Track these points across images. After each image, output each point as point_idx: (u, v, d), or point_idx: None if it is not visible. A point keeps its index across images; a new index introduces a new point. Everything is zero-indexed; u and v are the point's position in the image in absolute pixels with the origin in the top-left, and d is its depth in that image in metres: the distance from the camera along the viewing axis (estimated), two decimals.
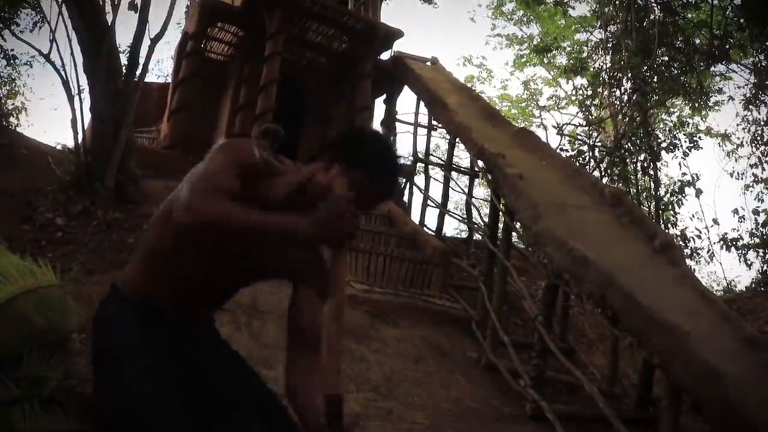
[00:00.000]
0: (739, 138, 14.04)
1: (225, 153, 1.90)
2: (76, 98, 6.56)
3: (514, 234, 5.86)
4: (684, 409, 3.73)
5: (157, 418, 1.87)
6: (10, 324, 1.97)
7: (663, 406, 3.38)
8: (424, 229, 7.62)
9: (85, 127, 6.57)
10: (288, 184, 2.00)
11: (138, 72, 6.74)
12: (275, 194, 1.98)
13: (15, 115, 9.37)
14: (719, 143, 15.33)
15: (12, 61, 10.67)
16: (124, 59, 7.36)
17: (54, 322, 2.07)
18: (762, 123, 12.70)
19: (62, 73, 6.61)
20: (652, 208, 13.47)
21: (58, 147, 8.14)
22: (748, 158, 13.27)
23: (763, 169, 12.99)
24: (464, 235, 8.86)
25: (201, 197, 1.75)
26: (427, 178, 8.82)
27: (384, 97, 10.16)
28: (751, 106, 12.39)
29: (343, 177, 1.94)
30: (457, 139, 7.17)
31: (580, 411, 4.49)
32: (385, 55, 10.13)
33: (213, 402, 2.05)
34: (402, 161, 2.01)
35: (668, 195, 13.62)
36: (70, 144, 6.66)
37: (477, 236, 7.66)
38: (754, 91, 12.37)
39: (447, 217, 7.84)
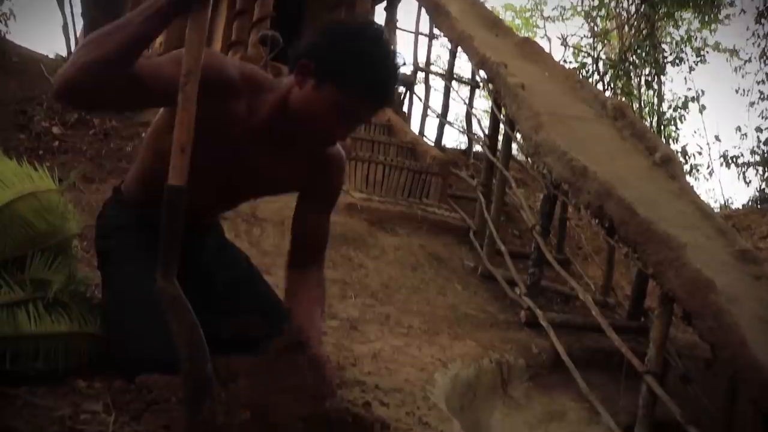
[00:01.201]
0: (747, 53, 13.77)
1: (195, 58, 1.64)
2: (67, 3, 6.39)
3: (514, 145, 5.83)
4: (674, 320, 3.83)
5: (157, 317, 1.91)
6: (10, 227, 1.97)
7: (654, 315, 3.45)
8: (424, 139, 7.57)
9: (77, 33, 6.42)
10: (268, 105, 1.85)
11: None
12: (257, 115, 1.86)
13: (3, 22, 9.10)
14: (727, 59, 15.01)
15: None
16: None
17: (54, 225, 2.08)
18: None
19: None
20: (654, 123, 13.36)
21: (51, 56, 7.99)
22: (756, 74, 13.05)
23: None
24: (464, 147, 8.81)
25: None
26: (428, 88, 8.70)
27: (384, 3, 9.88)
28: (763, 20, 12.06)
29: (315, 93, 1.76)
30: (459, 49, 7.02)
31: (573, 319, 4.60)
32: None
33: (214, 302, 2.09)
34: (392, 60, 1.79)
35: (671, 110, 13.49)
36: (63, 53, 6.53)
37: (477, 148, 7.62)
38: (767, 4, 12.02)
39: (447, 129, 7.79)
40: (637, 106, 13.09)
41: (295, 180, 2.04)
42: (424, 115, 8.43)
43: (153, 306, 1.90)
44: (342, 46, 1.75)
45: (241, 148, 1.88)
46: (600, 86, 12.40)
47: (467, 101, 7.72)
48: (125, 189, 2.16)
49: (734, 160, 12.79)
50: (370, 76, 1.73)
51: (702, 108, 13.51)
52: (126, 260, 2.03)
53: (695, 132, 23.60)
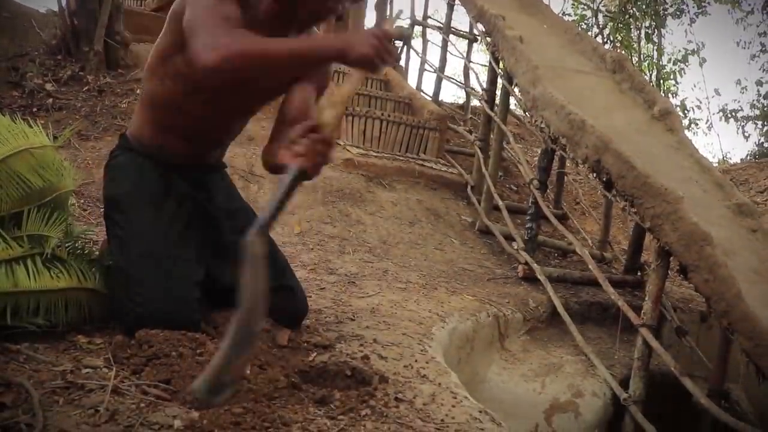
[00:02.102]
0: (750, 4, 13.57)
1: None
2: None
3: (512, 99, 5.78)
4: (670, 274, 3.85)
5: (163, 268, 1.93)
6: (6, 184, 1.96)
7: (651, 269, 3.47)
8: (421, 94, 7.49)
9: None
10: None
11: None
12: (262, 9, 1.89)
13: None
14: (729, 10, 14.79)
15: None
16: None
17: (50, 181, 2.07)
18: None
19: None
20: (653, 76, 13.25)
21: (42, 11, 7.85)
22: (758, 26, 12.89)
23: None
24: (461, 101, 8.73)
25: (221, 34, 1.62)
26: (425, 42, 8.57)
27: None
28: None
29: None
30: (456, 1, 6.90)
31: (570, 274, 4.63)
32: None
33: (218, 242, 2.13)
34: None
35: (671, 64, 13.36)
36: (55, 8, 6.40)
37: (474, 102, 7.56)
38: None
39: (444, 83, 7.70)
40: (637, 59, 12.95)
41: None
42: (422, 70, 8.33)
43: (159, 258, 1.93)
44: None
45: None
46: (599, 39, 12.25)
47: (465, 55, 7.61)
48: (131, 135, 2.15)
49: (733, 114, 12.74)
50: None
51: (702, 61, 13.39)
52: (134, 209, 2.03)
53: (695, 86, 23.41)
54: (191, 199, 2.12)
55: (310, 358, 2.01)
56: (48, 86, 5.59)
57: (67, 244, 2.06)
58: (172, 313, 1.87)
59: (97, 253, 2.14)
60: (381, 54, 1.64)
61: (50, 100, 5.43)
